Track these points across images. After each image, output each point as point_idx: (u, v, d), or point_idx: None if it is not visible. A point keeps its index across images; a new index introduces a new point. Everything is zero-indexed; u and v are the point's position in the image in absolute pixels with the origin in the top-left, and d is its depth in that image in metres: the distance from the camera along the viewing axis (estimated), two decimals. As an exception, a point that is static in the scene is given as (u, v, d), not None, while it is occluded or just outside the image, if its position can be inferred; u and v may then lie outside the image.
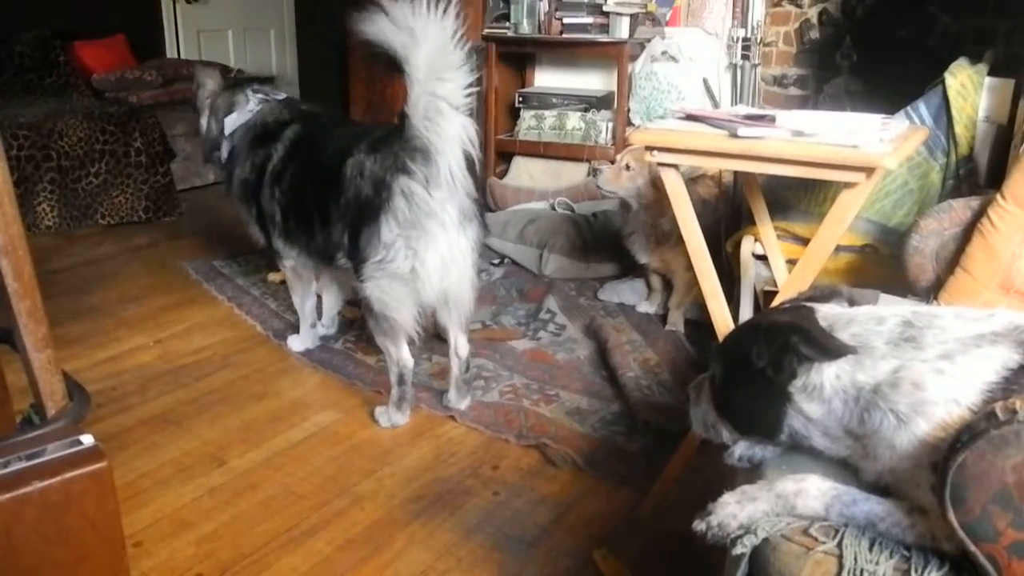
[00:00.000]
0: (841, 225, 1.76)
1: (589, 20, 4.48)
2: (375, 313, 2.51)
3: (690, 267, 3.14)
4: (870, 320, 1.25)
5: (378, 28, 2.26)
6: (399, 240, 2.39)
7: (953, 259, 1.97)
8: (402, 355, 2.56)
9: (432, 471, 2.38)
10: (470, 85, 2.33)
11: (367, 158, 2.44)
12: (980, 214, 1.94)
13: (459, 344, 2.65)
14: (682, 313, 3.26)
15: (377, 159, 2.41)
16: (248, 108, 2.93)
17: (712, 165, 2.67)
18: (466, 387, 2.70)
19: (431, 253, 2.41)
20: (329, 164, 2.54)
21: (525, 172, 4.85)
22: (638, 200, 3.22)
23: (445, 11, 2.23)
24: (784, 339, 1.23)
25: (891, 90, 2.94)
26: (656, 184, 3.15)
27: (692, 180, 3.25)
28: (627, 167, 3.20)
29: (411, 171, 2.35)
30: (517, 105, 4.85)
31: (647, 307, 3.41)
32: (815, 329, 1.24)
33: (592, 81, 4.93)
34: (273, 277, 3.71)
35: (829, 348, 1.21)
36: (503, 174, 4.93)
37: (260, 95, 2.95)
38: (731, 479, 1.37)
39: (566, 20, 4.55)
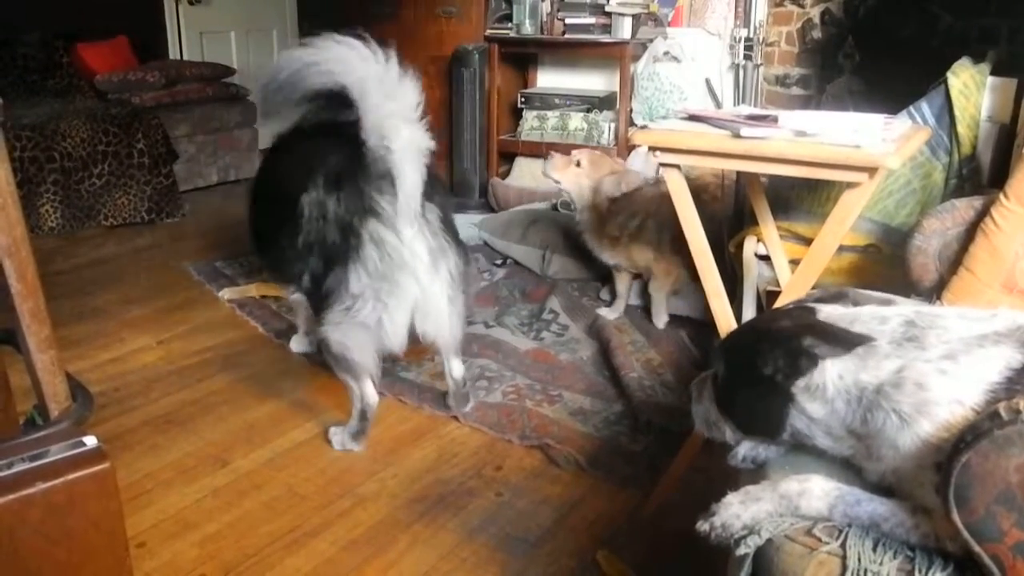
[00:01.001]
0: (844, 225, 1.76)
1: (591, 20, 4.49)
2: (334, 355, 2.37)
3: (658, 258, 3.18)
4: (873, 319, 1.25)
5: (325, 79, 2.15)
6: (368, 291, 2.25)
7: (956, 259, 1.96)
8: (366, 391, 2.44)
9: (435, 472, 2.38)
10: (420, 103, 2.18)
11: (328, 197, 2.24)
12: (983, 214, 1.93)
13: (453, 367, 2.60)
14: (663, 299, 3.25)
15: (341, 199, 2.23)
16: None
17: (715, 165, 2.67)
18: (465, 398, 2.66)
19: (402, 308, 2.29)
20: (287, 197, 2.35)
21: (528, 173, 4.85)
22: (577, 195, 3.29)
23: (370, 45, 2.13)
24: (796, 342, 1.23)
25: (893, 90, 2.93)
26: (597, 193, 3.20)
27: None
28: (578, 164, 3.24)
29: (379, 211, 2.20)
30: (519, 106, 4.86)
31: (609, 313, 3.37)
32: (824, 324, 1.24)
33: (594, 81, 4.94)
34: (229, 294, 3.66)
35: (846, 340, 1.21)
36: (505, 175, 4.93)
37: None
38: (735, 479, 1.37)
39: (568, 21, 4.56)
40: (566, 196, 3.37)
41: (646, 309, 3.41)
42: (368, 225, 2.21)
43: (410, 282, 2.28)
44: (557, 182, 3.32)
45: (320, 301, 2.32)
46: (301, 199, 2.28)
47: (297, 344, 3.12)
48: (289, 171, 2.47)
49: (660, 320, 3.26)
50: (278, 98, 2.33)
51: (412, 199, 2.20)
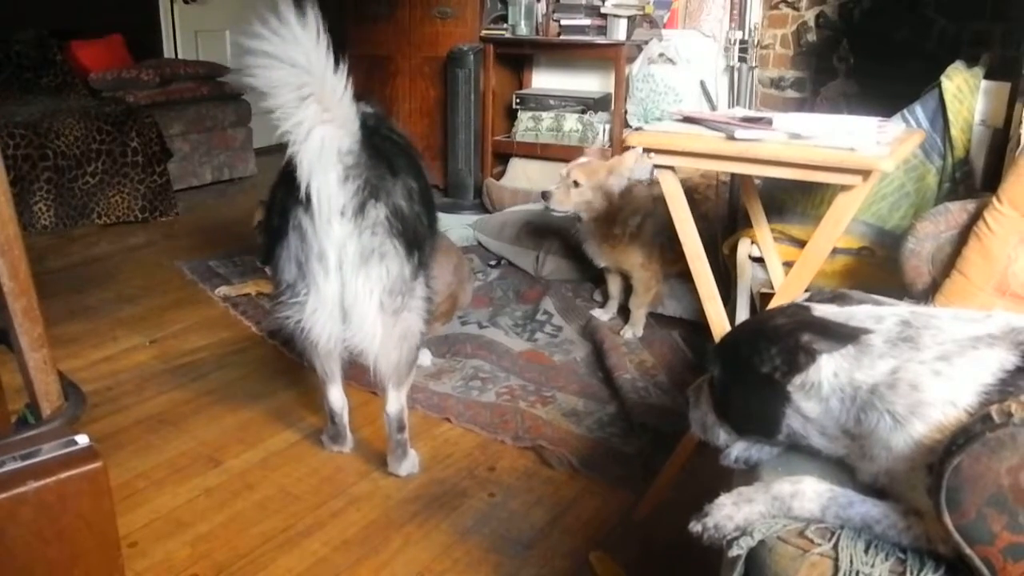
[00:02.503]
0: (838, 227, 1.76)
1: (587, 22, 4.50)
2: (299, 352, 2.27)
3: (645, 265, 3.16)
4: (869, 318, 1.25)
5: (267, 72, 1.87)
6: (299, 282, 2.13)
7: (949, 262, 1.97)
8: (330, 396, 2.38)
9: (428, 472, 2.37)
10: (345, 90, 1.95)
11: (281, 183, 2.14)
12: (976, 217, 1.94)
13: (387, 400, 2.32)
14: (644, 315, 3.24)
15: (283, 185, 2.11)
16: None
17: (709, 167, 2.67)
18: (401, 449, 2.36)
19: (321, 305, 2.11)
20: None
21: (522, 173, 4.85)
22: (587, 211, 3.22)
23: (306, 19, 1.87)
24: (793, 339, 1.23)
25: (888, 93, 2.94)
26: (603, 192, 3.17)
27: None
28: (576, 184, 3.19)
29: (304, 200, 2.01)
30: (514, 106, 4.86)
31: (602, 314, 3.37)
32: (820, 320, 1.24)
33: (589, 83, 4.94)
34: (226, 291, 3.67)
35: (844, 334, 1.21)
36: (500, 175, 4.93)
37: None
38: (728, 481, 1.37)
39: (564, 22, 4.57)
40: (576, 215, 3.27)
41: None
42: (295, 211, 2.07)
43: (324, 276, 2.08)
44: (566, 213, 3.23)
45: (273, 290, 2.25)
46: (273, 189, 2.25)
47: None
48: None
49: (632, 331, 3.21)
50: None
51: (326, 207, 2.01)
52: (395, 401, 2.32)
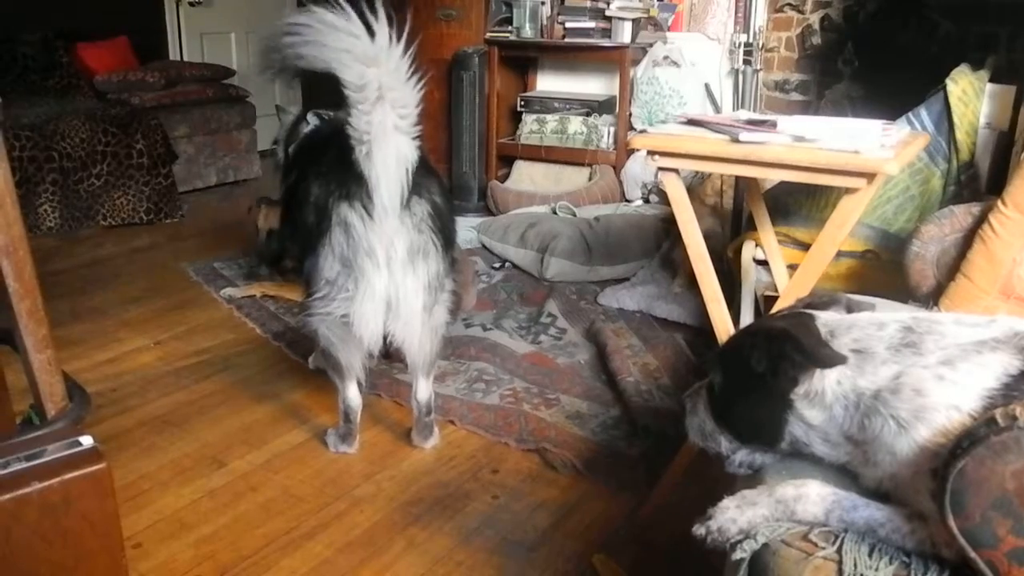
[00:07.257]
0: (842, 230, 1.76)
1: (591, 24, 4.50)
2: (322, 350, 2.36)
3: None
4: (871, 325, 1.25)
5: (327, 54, 2.03)
6: (340, 277, 2.20)
7: (954, 265, 1.97)
8: (348, 394, 2.41)
9: (431, 474, 2.38)
10: (418, 104, 2.11)
11: (315, 181, 2.22)
12: (981, 220, 1.94)
13: (419, 388, 2.46)
14: None
15: (323, 183, 2.19)
16: (307, 130, 2.78)
17: (714, 170, 2.68)
18: (428, 428, 2.50)
19: (369, 299, 2.19)
20: (293, 186, 2.40)
21: (527, 176, 4.85)
22: None
23: (399, 33, 2.03)
24: (780, 346, 1.23)
25: (893, 96, 2.94)
26: None
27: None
28: None
29: (352, 197, 2.13)
30: (519, 109, 4.87)
31: None
32: (806, 337, 1.23)
33: (594, 85, 4.94)
34: (231, 293, 3.67)
35: (819, 356, 1.21)
36: (504, 178, 4.93)
37: (318, 117, 2.77)
38: (731, 484, 1.37)
39: (568, 24, 4.57)
40: None
41: (643, 314, 3.41)
42: (339, 208, 2.15)
43: (375, 270, 2.17)
44: None
45: (305, 288, 2.34)
46: (299, 186, 2.32)
47: (316, 360, 2.94)
48: (301, 160, 2.51)
49: None
50: (275, 56, 2.20)
51: (388, 206, 2.12)
52: (425, 389, 2.47)
